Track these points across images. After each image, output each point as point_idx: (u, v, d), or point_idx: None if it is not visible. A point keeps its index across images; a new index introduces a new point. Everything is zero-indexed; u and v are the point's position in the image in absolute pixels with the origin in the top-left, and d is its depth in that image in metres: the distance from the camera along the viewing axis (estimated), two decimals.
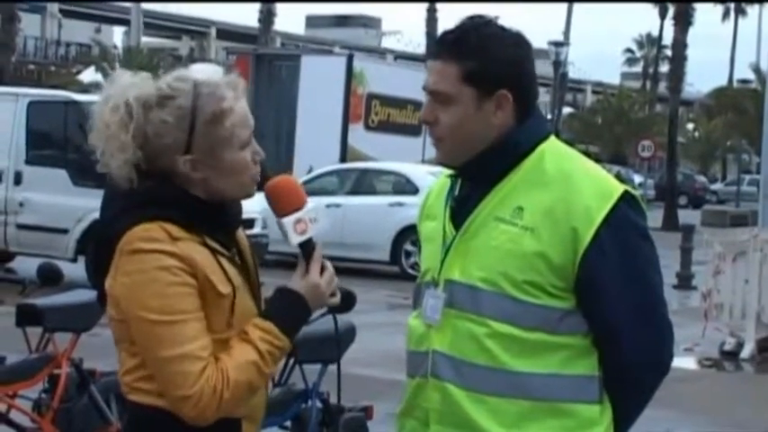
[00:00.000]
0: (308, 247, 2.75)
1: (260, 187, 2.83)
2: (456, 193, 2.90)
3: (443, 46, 2.81)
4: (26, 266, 13.51)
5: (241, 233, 2.86)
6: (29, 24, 52.94)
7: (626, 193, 2.78)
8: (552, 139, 2.87)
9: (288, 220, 2.74)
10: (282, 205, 2.76)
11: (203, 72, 2.75)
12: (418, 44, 61.93)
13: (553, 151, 2.84)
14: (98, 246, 2.72)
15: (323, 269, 2.76)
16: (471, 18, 2.85)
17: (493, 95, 2.78)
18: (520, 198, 2.77)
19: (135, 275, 2.61)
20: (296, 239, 2.73)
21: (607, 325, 2.77)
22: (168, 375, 2.61)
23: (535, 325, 2.74)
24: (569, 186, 2.75)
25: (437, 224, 2.90)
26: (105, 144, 2.67)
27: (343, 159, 24.96)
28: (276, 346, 2.68)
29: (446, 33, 2.83)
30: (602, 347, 2.79)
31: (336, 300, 2.80)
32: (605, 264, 2.73)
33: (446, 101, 2.79)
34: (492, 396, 2.75)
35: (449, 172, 2.95)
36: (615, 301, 2.76)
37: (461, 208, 2.85)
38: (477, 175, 2.83)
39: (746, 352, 12.49)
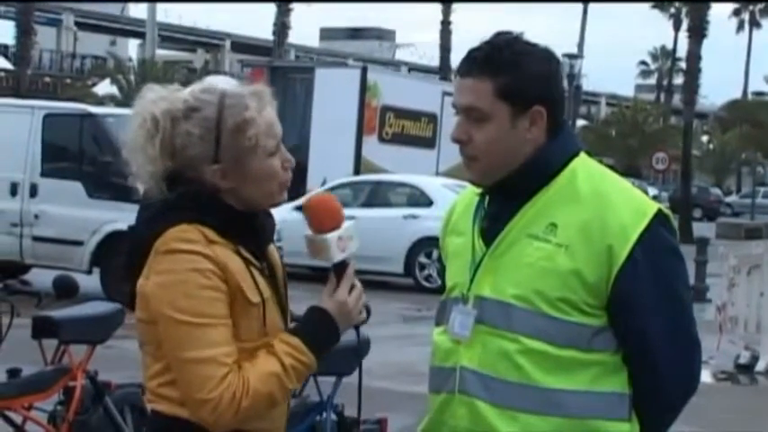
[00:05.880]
0: (341, 265, 2.76)
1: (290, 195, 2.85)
2: (485, 208, 2.88)
3: (474, 63, 2.77)
4: (41, 279, 13.52)
5: (273, 249, 2.88)
6: (44, 37, 53.20)
7: (659, 211, 2.78)
8: (583, 155, 2.85)
9: (332, 237, 2.73)
10: (325, 222, 2.76)
11: (227, 83, 2.78)
12: (432, 57, 61.93)
13: (586, 168, 2.82)
14: (132, 248, 2.73)
15: (352, 287, 2.76)
16: (499, 35, 2.82)
17: (527, 111, 2.76)
18: (553, 215, 2.76)
19: (167, 274, 2.63)
20: (338, 257, 2.73)
21: (640, 343, 2.76)
22: (189, 377, 2.61)
23: (567, 342, 2.72)
24: (604, 204, 2.74)
25: (465, 240, 2.88)
26: (134, 157, 2.72)
27: (357, 171, 24.96)
28: (301, 361, 2.69)
29: (474, 51, 2.80)
30: (634, 365, 2.78)
31: (363, 317, 2.81)
32: (640, 282, 2.72)
33: (480, 118, 2.76)
34: (523, 413, 2.73)
35: (467, 186, 2.94)
36: (649, 320, 2.74)
37: (492, 224, 2.83)
38: (509, 192, 2.81)
39: (761, 365, 12.46)
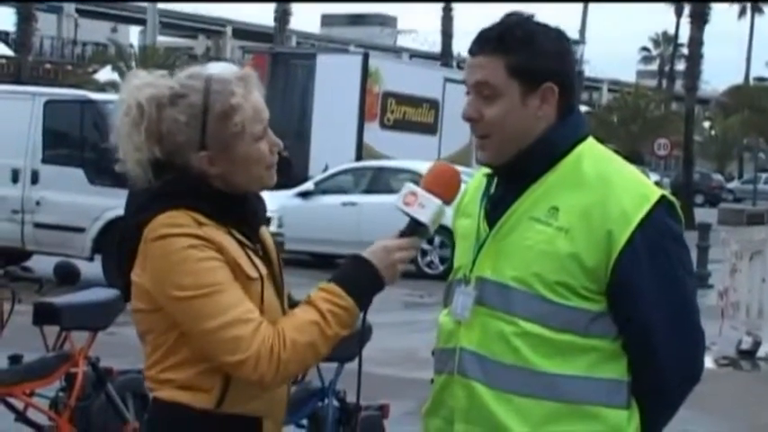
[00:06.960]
0: (415, 229, 2.80)
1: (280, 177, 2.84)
2: (492, 191, 2.88)
3: (487, 42, 2.78)
4: (43, 265, 13.54)
5: (266, 232, 2.86)
6: (45, 24, 53.13)
7: (663, 197, 2.76)
8: (590, 140, 2.84)
9: (439, 203, 2.78)
10: (446, 190, 2.80)
11: (216, 68, 2.76)
12: (434, 43, 61.81)
13: (591, 153, 2.81)
14: (123, 239, 2.71)
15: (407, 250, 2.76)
16: (510, 15, 2.83)
17: (537, 89, 2.76)
18: (555, 198, 2.75)
19: (163, 260, 2.61)
20: (424, 219, 2.78)
21: (640, 329, 2.74)
22: (219, 345, 2.58)
23: (565, 326, 2.71)
24: (607, 189, 2.73)
25: (472, 222, 2.88)
26: (121, 144, 2.70)
27: (358, 158, 24.95)
28: (339, 305, 2.66)
29: (486, 30, 2.80)
30: (634, 352, 2.76)
31: (401, 270, 2.79)
32: (639, 267, 2.70)
33: (491, 95, 2.76)
34: (518, 396, 2.72)
35: (470, 171, 2.93)
36: (649, 306, 2.73)
37: (496, 206, 2.83)
38: (516, 174, 2.81)
39: (763, 351, 12.47)
